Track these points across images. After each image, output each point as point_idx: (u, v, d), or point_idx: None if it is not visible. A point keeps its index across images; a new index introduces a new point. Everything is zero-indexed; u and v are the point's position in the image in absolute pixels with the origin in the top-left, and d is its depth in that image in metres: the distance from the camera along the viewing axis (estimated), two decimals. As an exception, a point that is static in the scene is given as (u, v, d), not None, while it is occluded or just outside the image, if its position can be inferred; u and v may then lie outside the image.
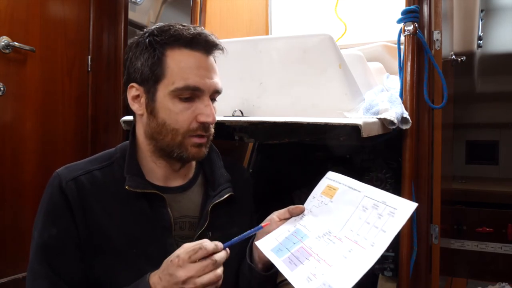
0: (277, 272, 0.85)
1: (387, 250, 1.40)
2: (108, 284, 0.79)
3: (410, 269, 1.07)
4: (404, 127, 1.05)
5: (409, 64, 1.11)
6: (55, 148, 1.49)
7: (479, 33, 2.42)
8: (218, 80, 0.84)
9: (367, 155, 1.59)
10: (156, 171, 0.87)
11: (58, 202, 0.79)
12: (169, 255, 0.71)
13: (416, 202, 1.11)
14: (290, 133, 1.15)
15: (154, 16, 2.02)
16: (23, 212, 1.37)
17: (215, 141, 1.00)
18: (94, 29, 1.61)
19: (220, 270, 0.69)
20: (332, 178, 0.87)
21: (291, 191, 1.81)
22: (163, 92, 0.80)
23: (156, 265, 0.72)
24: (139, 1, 1.87)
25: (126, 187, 0.80)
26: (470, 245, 2.24)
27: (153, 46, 0.80)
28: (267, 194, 1.62)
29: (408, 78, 1.11)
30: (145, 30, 0.84)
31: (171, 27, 0.81)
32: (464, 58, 1.62)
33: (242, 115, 1.17)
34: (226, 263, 0.72)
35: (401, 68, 1.15)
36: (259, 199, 1.06)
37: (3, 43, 1.30)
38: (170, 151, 0.82)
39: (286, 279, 0.72)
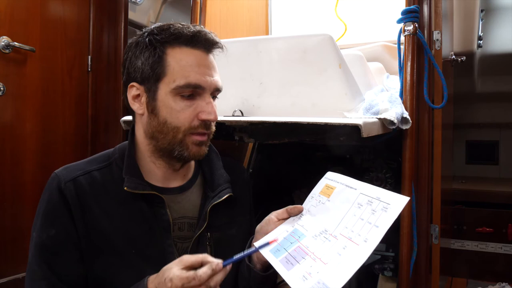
0: (276, 273, 0.85)
1: (387, 250, 1.40)
2: (107, 284, 0.79)
3: (410, 269, 1.07)
4: (404, 127, 1.05)
5: (409, 64, 1.11)
6: (55, 148, 1.49)
7: (479, 33, 2.42)
8: (218, 78, 0.84)
9: (367, 155, 1.60)
10: (155, 171, 0.87)
11: (57, 202, 0.79)
12: (168, 256, 0.70)
13: (416, 202, 1.12)
14: (290, 133, 1.15)
15: (154, 16, 2.02)
16: (23, 212, 1.37)
17: (215, 141, 1.00)
18: (94, 29, 1.61)
19: None
20: (330, 178, 0.88)
21: (291, 191, 1.81)
22: (164, 90, 0.80)
23: (155, 266, 0.72)
24: (139, 1, 1.87)
25: (125, 188, 0.80)
26: (470, 245, 2.24)
27: (153, 45, 0.80)
28: (267, 194, 1.63)
29: (408, 78, 1.11)
30: (144, 30, 0.84)
31: (171, 26, 0.81)
32: (464, 58, 1.62)
33: (242, 115, 1.17)
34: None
35: (401, 68, 1.15)
36: (259, 199, 1.06)
37: (3, 43, 1.30)
38: (171, 150, 0.82)
39: (286, 280, 0.72)
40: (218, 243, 0.88)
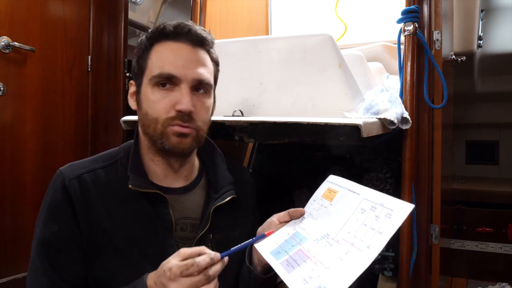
0: (276, 275, 0.85)
1: (387, 250, 1.40)
2: (108, 283, 0.79)
3: (410, 269, 1.07)
4: (404, 127, 1.05)
5: (409, 64, 1.11)
6: (55, 148, 1.49)
7: (479, 33, 2.42)
8: (203, 71, 0.83)
9: (367, 155, 1.59)
10: (156, 170, 0.87)
11: (61, 199, 0.79)
12: (170, 256, 0.70)
13: (416, 202, 1.12)
14: (290, 133, 1.15)
15: (154, 16, 2.02)
16: (23, 212, 1.37)
17: (215, 141, 1.00)
18: (94, 29, 1.61)
19: (213, 284, 0.68)
20: (333, 182, 0.88)
21: (291, 191, 1.81)
22: (144, 83, 0.83)
23: (157, 265, 0.72)
24: (139, 1, 1.87)
25: (130, 186, 0.81)
26: (470, 245, 2.24)
27: (144, 44, 0.84)
28: (267, 194, 1.62)
29: (408, 78, 1.11)
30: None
31: (161, 24, 0.83)
32: (464, 58, 1.62)
33: (242, 115, 1.17)
34: (225, 266, 0.71)
35: (401, 68, 1.15)
36: (259, 199, 1.06)
37: (3, 43, 1.30)
38: (155, 142, 0.82)
39: (285, 280, 0.72)
40: (220, 245, 0.88)
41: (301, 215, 0.86)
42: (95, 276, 0.79)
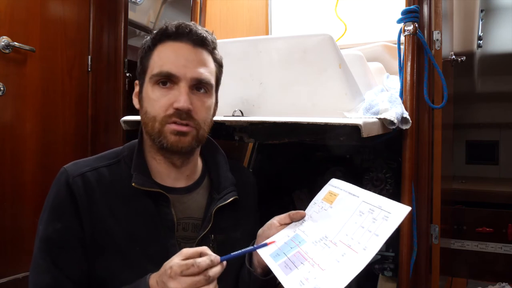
0: (275, 277, 0.85)
1: (387, 250, 1.40)
2: (110, 281, 0.79)
3: (410, 269, 1.07)
4: (404, 127, 1.05)
5: (409, 64, 1.11)
6: (55, 148, 1.49)
7: (479, 33, 2.42)
8: (203, 70, 0.83)
9: (367, 155, 1.59)
10: (158, 169, 0.87)
11: (64, 197, 0.79)
12: (171, 255, 0.71)
13: (416, 202, 1.12)
14: (290, 133, 1.15)
15: (154, 16, 2.02)
16: (23, 212, 1.36)
17: (215, 141, 1.00)
18: (94, 29, 1.61)
19: (212, 285, 0.68)
20: (334, 185, 0.88)
21: (291, 191, 1.81)
22: (146, 81, 0.84)
23: (158, 265, 0.72)
24: (139, 1, 1.87)
25: (133, 184, 0.81)
26: (470, 245, 2.24)
27: (148, 44, 0.85)
28: (267, 194, 1.62)
29: (408, 78, 1.11)
30: None
31: (164, 25, 0.84)
32: (464, 58, 1.62)
33: (242, 115, 1.17)
34: (225, 268, 0.71)
35: (401, 68, 1.15)
36: (260, 199, 1.06)
37: (3, 43, 1.30)
38: (154, 141, 0.83)
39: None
40: (221, 245, 0.88)
41: (302, 217, 0.86)
42: (97, 274, 0.79)
